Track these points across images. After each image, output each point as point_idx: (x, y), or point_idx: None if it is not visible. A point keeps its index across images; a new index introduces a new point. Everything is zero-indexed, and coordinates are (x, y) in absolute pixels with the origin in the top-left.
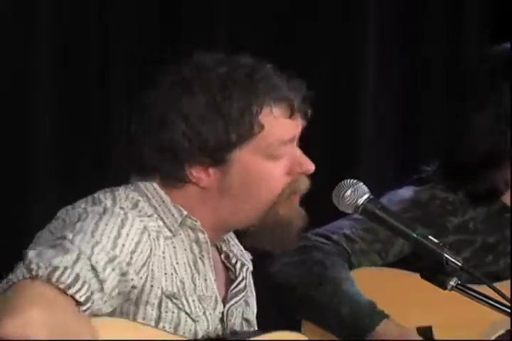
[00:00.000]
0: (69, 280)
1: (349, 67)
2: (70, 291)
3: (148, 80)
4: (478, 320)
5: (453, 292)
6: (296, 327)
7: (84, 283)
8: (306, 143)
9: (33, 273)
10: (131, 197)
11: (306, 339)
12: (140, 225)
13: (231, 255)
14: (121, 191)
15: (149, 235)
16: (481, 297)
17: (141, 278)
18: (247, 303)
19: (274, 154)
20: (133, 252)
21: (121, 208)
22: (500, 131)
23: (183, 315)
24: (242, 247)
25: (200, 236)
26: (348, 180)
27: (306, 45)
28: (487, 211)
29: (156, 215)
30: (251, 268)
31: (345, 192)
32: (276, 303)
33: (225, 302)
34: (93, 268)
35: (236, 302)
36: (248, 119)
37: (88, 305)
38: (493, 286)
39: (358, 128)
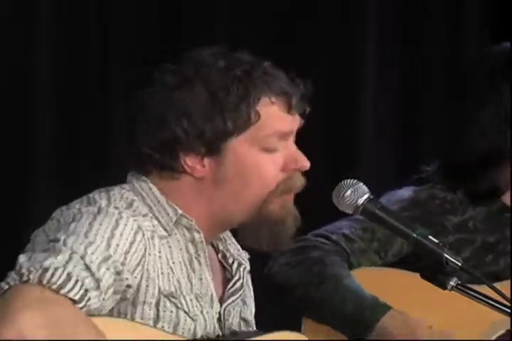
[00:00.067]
0: (60, 281)
1: (349, 67)
2: (63, 291)
3: (149, 80)
4: (479, 320)
5: (453, 292)
6: (296, 327)
7: (76, 281)
8: (306, 143)
9: (24, 278)
10: (125, 197)
11: (306, 339)
12: (134, 225)
13: (228, 254)
14: (116, 191)
15: (143, 235)
16: (481, 297)
17: (135, 277)
18: (244, 303)
19: (270, 147)
20: (127, 252)
21: (116, 208)
22: (500, 130)
23: (181, 314)
24: (239, 246)
25: (196, 235)
26: (348, 180)
27: (306, 45)
28: (487, 210)
29: (150, 214)
30: (248, 267)
31: (345, 192)
32: (276, 303)
33: (222, 301)
34: (87, 268)
35: (233, 301)
36: (245, 108)
37: (83, 303)
38: (493, 286)
39: (358, 128)
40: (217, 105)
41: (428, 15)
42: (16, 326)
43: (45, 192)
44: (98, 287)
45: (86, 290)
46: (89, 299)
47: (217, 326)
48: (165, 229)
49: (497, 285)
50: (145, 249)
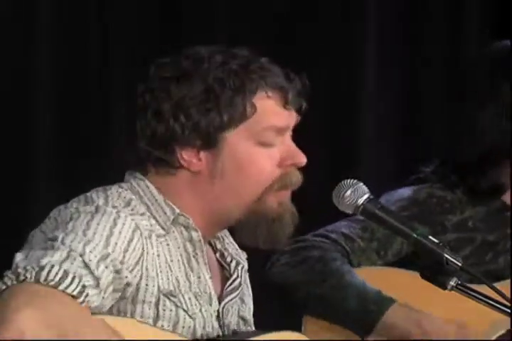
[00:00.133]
0: (57, 277)
1: (349, 67)
2: (60, 287)
3: (147, 78)
4: (479, 319)
5: (453, 292)
6: (296, 327)
7: (73, 278)
8: (306, 142)
9: (21, 277)
10: (123, 196)
11: (307, 339)
12: (132, 224)
13: (226, 254)
14: (113, 190)
15: (141, 234)
16: (480, 297)
17: (135, 276)
18: (242, 301)
19: (266, 141)
20: (125, 251)
21: (114, 207)
22: (500, 130)
23: (181, 312)
24: (237, 246)
25: (194, 234)
26: (348, 180)
27: (306, 45)
28: (486, 210)
29: (148, 213)
30: (246, 267)
31: (345, 192)
32: (276, 303)
33: (220, 300)
34: (86, 266)
35: (231, 300)
36: (241, 101)
37: (82, 298)
38: (493, 286)
39: (358, 128)
40: (213, 98)
41: (428, 15)
42: (14, 326)
43: (45, 192)
44: (98, 285)
45: (84, 287)
46: (87, 295)
47: (215, 324)
48: (162, 228)
49: (497, 284)
50: (143, 247)
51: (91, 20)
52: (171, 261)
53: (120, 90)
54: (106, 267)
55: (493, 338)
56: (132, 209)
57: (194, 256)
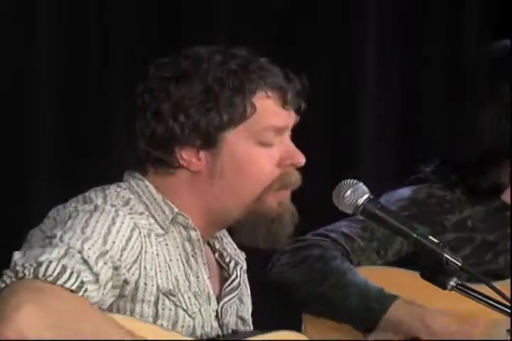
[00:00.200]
0: (55, 272)
1: (349, 67)
2: (59, 282)
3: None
4: (479, 319)
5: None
6: (296, 327)
7: (72, 273)
8: (306, 142)
9: (20, 274)
10: (121, 196)
11: (306, 339)
12: (131, 223)
13: (225, 254)
14: (112, 189)
15: (140, 233)
16: (481, 297)
17: (132, 274)
18: (241, 301)
19: (265, 141)
20: (123, 249)
21: (113, 205)
22: (500, 130)
23: (180, 311)
24: (235, 246)
25: (193, 233)
26: (348, 180)
27: (306, 45)
28: (486, 209)
29: (147, 213)
30: (245, 267)
31: (345, 192)
32: (276, 303)
33: (219, 299)
34: (85, 262)
35: (230, 299)
36: (241, 101)
37: (81, 293)
38: (493, 286)
39: (358, 128)
40: (213, 98)
41: (428, 15)
42: (14, 325)
43: (45, 192)
44: (97, 280)
45: (82, 282)
46: (86, 290)
47: (215, 324)
48: (161, 227)
49: (497, 284)
50: (141, 246)
51: (91, 20)
52: (170, 260)
53: (120, 90)
54: (105, 263)
55: (494, 338)
56: (131, 209)
57: (193, 256)
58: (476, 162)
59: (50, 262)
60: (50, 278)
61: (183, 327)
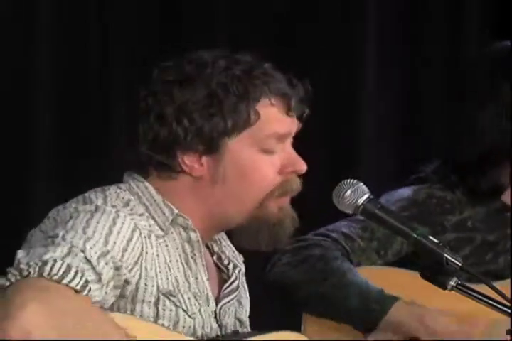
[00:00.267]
0: (61, 272)
1: (349, 67)
2: (64, 281)
3: (149, 80)
4: (479, 319)
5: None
6: (296, 327)
7: (76, 272)
8: (307, 143)
9: (24, 272)
10: (121, 197)
11: (306, 339)
12: (131, 223)
13: (223, 256)
14: (111, 190)
15: (140, 233)
16: (481, 297)
17: (133, 275)
18: (240, 303)
19: (268, 148)
20: (124, 250)
21: (113, 206)
22: (500, 130)
23: (181, 312)
24: (234, 248)
25: (192, 235)
26: (348, 180)
27: (306, 46)
28: (486, 210)
29: (147, 214)
30: (243, 269)
31: (345, 192)
32: (277, 303)
33: (217, 301)
34: (88, 261)
35: (228, 301)
36: (245, 108)
37: (85, 292)
38: (493, 286)
39: (358, 128)
40: (217, 103)
41: (428, 15)
42: (18, 323)
43: (45, 192)
44: (99, 280)
45: (87, 281)
46: (90, 290)
47: (214, 324)
48: (161, 229)
49: (497, 284)
50: (142, 247)
51: (91, 20)
52: (170, 261)
53: (120, 90)
54: (106, 263)
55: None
56: (131, 210)
57: (192, 257)
58: (476, 162)
59: (55, 261)
60: (55, 277)
61: (184, 327)
